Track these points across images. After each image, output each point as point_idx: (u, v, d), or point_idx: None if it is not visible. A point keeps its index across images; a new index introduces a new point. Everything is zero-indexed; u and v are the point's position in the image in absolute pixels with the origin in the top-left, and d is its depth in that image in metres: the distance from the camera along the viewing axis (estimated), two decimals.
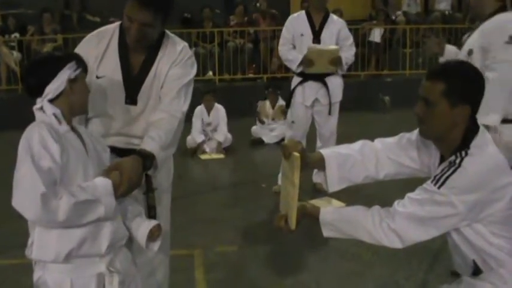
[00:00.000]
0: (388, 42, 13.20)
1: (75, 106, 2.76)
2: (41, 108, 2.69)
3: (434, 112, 2.58)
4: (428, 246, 4.29)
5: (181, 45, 3.43)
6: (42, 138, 2.54)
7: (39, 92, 2.69)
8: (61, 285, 2.67)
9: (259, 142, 9.52)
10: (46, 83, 2.67)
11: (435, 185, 2.52)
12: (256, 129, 9.70)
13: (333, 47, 6.53)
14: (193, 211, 6.01)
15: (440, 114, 2.57)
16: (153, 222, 2.92)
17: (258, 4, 13.52)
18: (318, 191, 6.31)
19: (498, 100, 4.17)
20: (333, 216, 2.73)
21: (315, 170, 6.56)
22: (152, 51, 3.31)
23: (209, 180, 8.02)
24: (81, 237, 2.65)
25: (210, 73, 12.40)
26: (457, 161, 2.51)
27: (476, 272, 2.66)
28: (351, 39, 6.71)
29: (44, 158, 2.51)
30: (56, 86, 2.68)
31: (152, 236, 2.91)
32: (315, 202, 2.87)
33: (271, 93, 9.65)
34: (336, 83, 6.71)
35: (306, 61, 6.51)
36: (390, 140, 2.98)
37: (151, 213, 3.16)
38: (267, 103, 9.83)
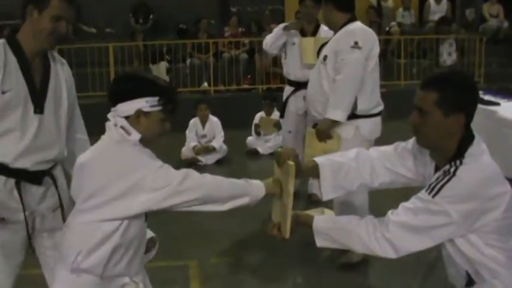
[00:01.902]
0: (383, 53, 13.19)
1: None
2: (113, 118, 2.70)
3: (428, 121, 2.59)
4: (423, 257, 4.28)
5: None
6: None
7: (113, 103, 2.69)
8: None
9: (254, 153, 9.51)
10: (120, 100, 2.67)
11: (429, 194, 2.52)
12: (251, 140, 9.69)
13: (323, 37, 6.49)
14: (188, 222, 5.99)
15: (434, 123, 2.58)
16: (148, 235, 2.94)
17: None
18: (313, 202, 6.33)
19: (345, 98, 4.82)
20: (327, 224, 2.73)
21: (310, 181, 6.58)
22: (46, 56, 3.29)
23: None
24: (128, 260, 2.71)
25: (205, 84, 12.41)
26: (452, 170, 2.52)
27: (470, 283, 2.66)
28: None
29: None
30: (125, 108, 2.66)
31: (148, 249, 2.93)
32: (309, 212, 2.87)
33: (267, 105, 9.64)
34: None
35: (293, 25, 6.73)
36: (386, 149, 2.99)
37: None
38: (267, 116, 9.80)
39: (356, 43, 4.83)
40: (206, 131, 9.17)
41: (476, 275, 2.62)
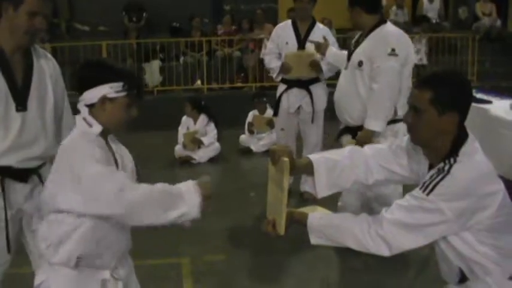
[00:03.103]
0: None
1: (104, 124, 2.69)
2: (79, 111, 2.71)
3: (422, 120, 2.60)
4: (416, 255, 4.29)
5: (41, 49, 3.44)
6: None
7: (80, 91, 2.69)
8: None
9: (247, 151, 9.51)
10: (86, 87, 2.67)
11: (424, 191, 2.53)
12: (244, 138, 9.68)
13: (311, 51, 6.50)
14: None
15: (429, 121, 2.59)
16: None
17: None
18: (306, 200, 6.33)
19: (384, 108, 4.85)
20: (321, 222, 2.73)
21: (303, 179, 6.59)
22: (28, 52, 3.27)
23: None
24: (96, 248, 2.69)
25: (199, 82, 12.40)
26: (446, 168, 2.52)
27: (463, 280, 2.67)
28: (335, 47, 6.72)
29: None
30: (90, 95, 2.66)
31: None
32: (302, 210, 2.87)
33: (258, 103, 9.64)
34: (320, 91, 6.75)
35: (284, 67, 6.60)
36: (380, 147, 3.00)
37: None
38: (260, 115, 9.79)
39: (393, 50, 4.80)
40: (198, 127, 9.14)
41: (469, 272, 2.63)
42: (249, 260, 5.35)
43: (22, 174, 3.26)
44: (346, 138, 5.21)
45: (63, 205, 2.58)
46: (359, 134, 4.97)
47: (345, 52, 5.79)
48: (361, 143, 4.78)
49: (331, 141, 5.52)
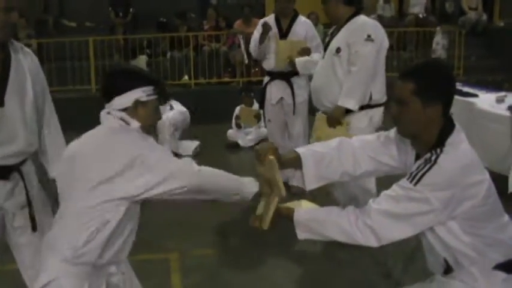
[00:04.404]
0: None
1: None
2: (109, 113, 2.76)
3: (407, 111, 2.62)
4: (403, 246, 4.31)
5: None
6: None
7: (109, 98, 2.76)
8: None
9: (235, 146, 9.51)
10: (116, 93, 2.75)
11: (411, 182, 2.54)
12: (232, 133, 9.68)
13: (301, 40, 6.74)
14: (169, 215, 5.99)
15: (413, 113, 2.60)
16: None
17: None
18: (293, 195, 6.31)
19: (359, 89, 5.06)
20: (307, 216, 2.74)
21: (290, 174, 6.59)
22: (5, 47, 3.24)
23: None
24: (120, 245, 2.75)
25: (186, 77, 12.38)
26: (433, 158, 2.54)
27: (448, 270, 2.69)
28: (317, 40, 6.83)
29: None
30: (122, 100, 2.74)
31: None
32: (288, 204, 2.87)
33: (245, 97, 9.64)
34: (301, 84, 6.89)
35: (264, 28, 6.75)
36: (368, 138, 3.01)
37: (33, 224, 3.30)
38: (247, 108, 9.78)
39: (369, 36, 5.06)
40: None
41: (454, 263, 2.65)
42: (238, 255, 5.36)
43: (2, 172, 3.23)
44: (318, 114, 5.39)
45: (116, 193, 2.62)
46: (331, 110, 5.18)
47: (316, 57, 6.16)
48: (332, 119, 5.10)
49: None
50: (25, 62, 3.31)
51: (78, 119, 6.50)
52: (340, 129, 5.10)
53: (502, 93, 7.16)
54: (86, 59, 11.98)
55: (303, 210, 2.79)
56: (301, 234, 2.76)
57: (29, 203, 3.31)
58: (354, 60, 5.07)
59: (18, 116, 3.23)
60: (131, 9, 13.61)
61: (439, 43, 12.89)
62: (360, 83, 5.07)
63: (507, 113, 6.34)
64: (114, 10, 13.53)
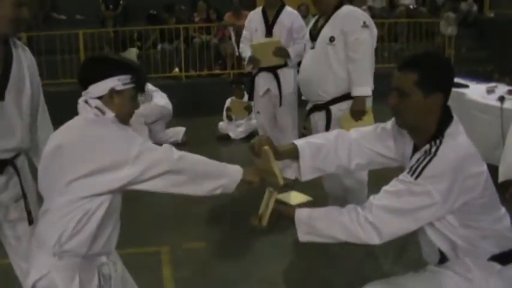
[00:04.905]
0: None
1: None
2: (86, 102, 2.73)
3: (408, 102, 2.60)
4: (396, 238, 4.31)
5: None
6: None
7: (84, 86, 2.74)
8: (71, 282, 2.66)
9: (226, 138, 9.51)
10: (91, 82, 2.72)
11: (412, 175, 2.52)
12: (223, 125, 9.67)
13: (275, 38, 6.74)
14: (160, 208, 5.98)
15: (415, 104, 2.59)
16: None
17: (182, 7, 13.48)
18: (285, 186, 6.30)
19: (369, 74, 5.14)
20: (308, 214, 2.71)
21: (283, 165, 6.60)
22: (7, 43, 3.25)
23: None
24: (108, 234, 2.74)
25: (177, 69, 12.36)
26: (433, 150, 2.53)
27: (443, 260, 2.69)
28: (303, 31, 6.71)
29: None
30: (98, 89, 2.71)
31: None
32: (280, 196, 2.86)
33: (235, 89, 9.63)
34: (287, 75, 6.88)
35: (252, 60, 6.84)
36: (365, 129, 2.99)
37: (29, 218, 3.29)
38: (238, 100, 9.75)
39: (365, 23, 5.14)
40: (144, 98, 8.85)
41: (449, 253, 2.65)
42: (229, 247, 5.35)
43: None
44: (344, 115, 5.28)
45: (100, 186, 2.60)
46: (352, 103, 5.17)
47: (302, 44, 6.04)
48: (357, 113, 5.10)
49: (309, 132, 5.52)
50: (24, 59, 3.32)
51: (68, 111, 6.44)
52: (367, 118, 5.12)
53: (493, 84, 7.18)
54: (76, 51, 11.94)
55: (304, 210, 2.75)
56: (302, 236, 2.73)
57: (24, 196, 3.30)
58: (355, 47, 5.10)
59: (16, 111, 3.23)
60: (121, 2, 13.57)
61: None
62: (367, 68, 5.14)
63: (497, 104, 6.36)
64: (104, 3, 13.49)
